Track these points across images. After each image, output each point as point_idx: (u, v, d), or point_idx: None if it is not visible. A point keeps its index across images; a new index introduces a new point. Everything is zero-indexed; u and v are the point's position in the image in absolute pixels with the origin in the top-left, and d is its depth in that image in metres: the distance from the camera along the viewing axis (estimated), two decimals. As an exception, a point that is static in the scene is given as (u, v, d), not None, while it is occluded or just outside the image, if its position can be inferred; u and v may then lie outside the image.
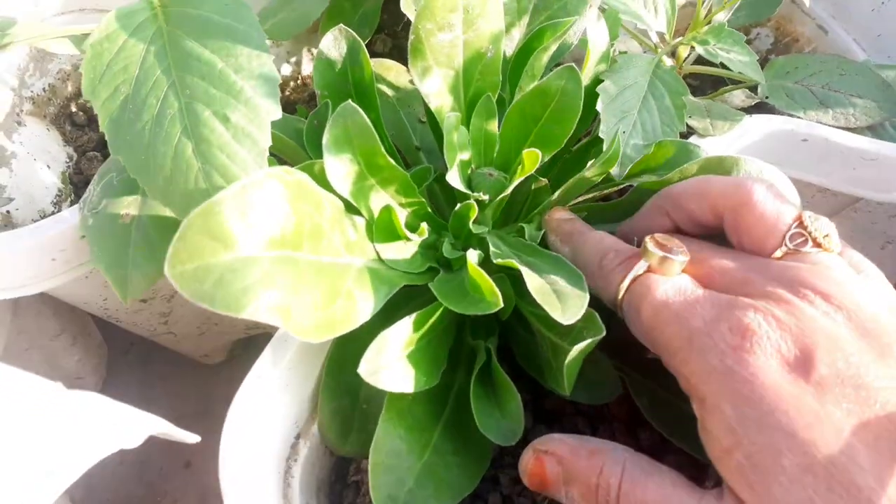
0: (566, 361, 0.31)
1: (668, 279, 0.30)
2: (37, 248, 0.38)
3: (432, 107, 0.39)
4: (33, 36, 0.45)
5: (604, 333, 0.31)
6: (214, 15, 0.35)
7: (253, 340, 0.67)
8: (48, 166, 0.53)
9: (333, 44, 0.41)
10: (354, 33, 0.41)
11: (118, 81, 0.35)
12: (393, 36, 0.65)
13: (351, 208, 0.37)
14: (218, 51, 0.34)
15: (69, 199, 0.54)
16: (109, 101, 0.35)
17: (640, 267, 0.31)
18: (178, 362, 0.65)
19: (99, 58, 0.36)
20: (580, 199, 0.43)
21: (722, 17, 0.52)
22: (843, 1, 0.61)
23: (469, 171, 0.41)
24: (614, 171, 0.41)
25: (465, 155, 0.40)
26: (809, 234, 0.30)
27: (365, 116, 0.35)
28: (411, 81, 0.53)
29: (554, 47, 0.41)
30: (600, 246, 0.34)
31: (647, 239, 0.31)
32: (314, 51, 0.63)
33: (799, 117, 0.49)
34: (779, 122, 0.46)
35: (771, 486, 0.24)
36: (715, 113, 0.46)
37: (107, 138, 0.35)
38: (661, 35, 0.49)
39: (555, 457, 0.30)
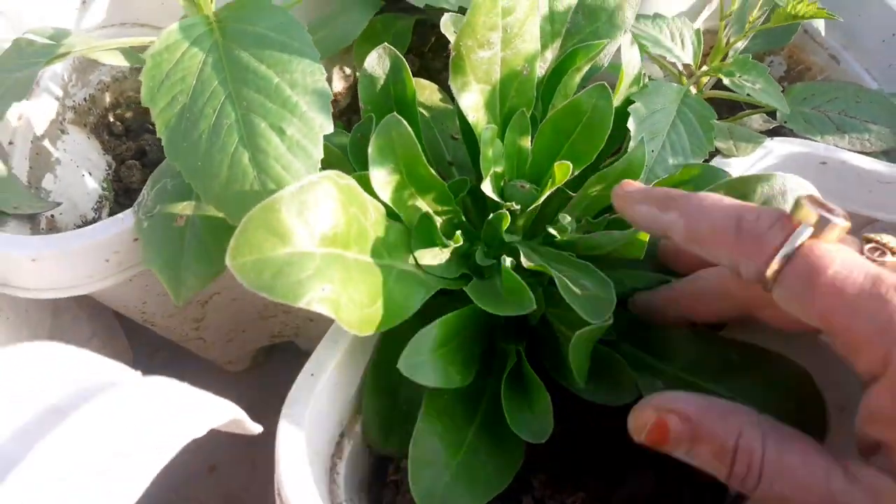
0: (570, 345, 0.33)
1: (846, 250, 0.26)
2: (93, 248, 0.40)
3: (470, 120, 0.41)
4: (87, 47, 0.47)
5: (609, 323, 0.33)
6: (270, 32, 0.38)
7: (276, 349, 0.68)
8: (89, 173, 0.55)
9: (377, 61, 0.43)
10: (397, 51, 0.43)
11: (176, 91, 0.37)
12: (421, 56, 0.68)
13: (392, 214, 0.39)
14: (274, 66, 0.36)
15: (108, 206, 0.55)
16: (167, 110, 0.37)
17: (803, 232, 0.26)
18: (202, 368, 0.66)
19: (158, 68, 0.38)
20: (607, 216, 0.45)
21: (740, 45, 0.54)
22: (854, 32, 0.63)
23: (502, 183, 0.43)
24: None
25: (499, 167, 0.41)
26: (884, 245, 0.28)
27: (408, 127, 0.37)
28: (442, 100, 0.55)
29: (586, 68, 0.43)
30: (731, 206, 0.29)
31: (802, 198, 0.27)
32: (346, 69, 0.65)
33: (816, 141, 0.51)
34: (798, 144, 0.48)
35: None
36: (737, 135, 0.48)
37: (163, 144, 0.37)
38: (686, 66, 0.51)
39: (681, 416, 0.28)
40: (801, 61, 0.67)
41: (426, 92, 0.55)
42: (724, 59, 0.53)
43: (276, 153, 0.35)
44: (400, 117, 0.37)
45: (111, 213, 0.55)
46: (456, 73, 0.39)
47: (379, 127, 0.37)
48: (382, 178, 0.37)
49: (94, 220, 0.54)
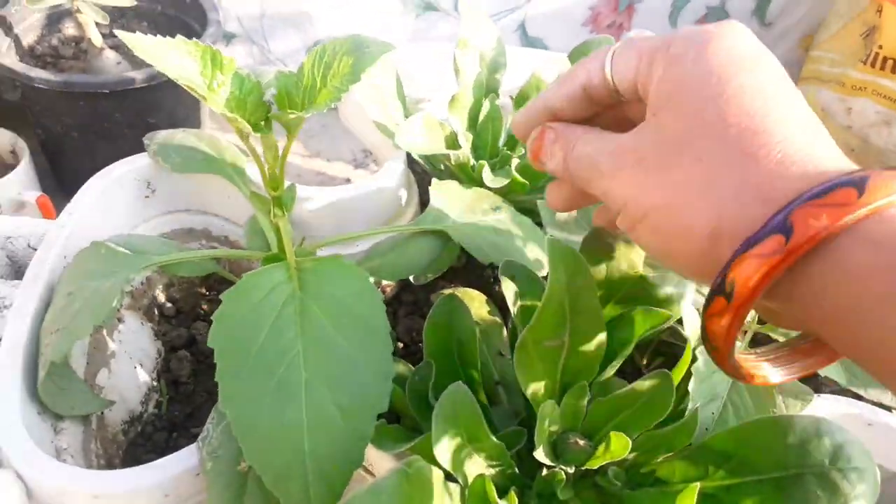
0: None
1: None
2: (155, 486, 0.40)
3: (527, 394, 0.42)
4: (165, 260, 0.49)
5: None
6: (349, 298, 0.40)
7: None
8: (141, 364, 0.56)
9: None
10: (461, 300, 0.44)
11: (246, 342, 0.39)
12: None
13: (450, 476, 0.39)
14: (349, 338, 0.38)
15: (155, 399, 0.56)
16: (233, 357, 0.38)
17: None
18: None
19: (231, 314, 0.40)
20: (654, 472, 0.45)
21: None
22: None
23: (554, 438, 0.43)
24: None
25: (554, 427, 0.42)
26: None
27: (471, 397, 0.39)
28: (490, 312, 0.56)
29: (645, 332, 0.44)
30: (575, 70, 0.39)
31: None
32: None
33: (861, 393, 0.52)
34: (846, 404, 0.49)
35: None
36: (787, 391, 0.48)
37: (220, 391, 0.37)
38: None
39: (555, 130, 0.39)
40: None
41: (475, 304, 0.57)
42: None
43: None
44: (464, 386, 0.39)
45: (158, 410, 0.56)
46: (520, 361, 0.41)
47: (443, 397, 0.38)
48: (444, 447, 0.38)
49: (141, 415, 0.54)
